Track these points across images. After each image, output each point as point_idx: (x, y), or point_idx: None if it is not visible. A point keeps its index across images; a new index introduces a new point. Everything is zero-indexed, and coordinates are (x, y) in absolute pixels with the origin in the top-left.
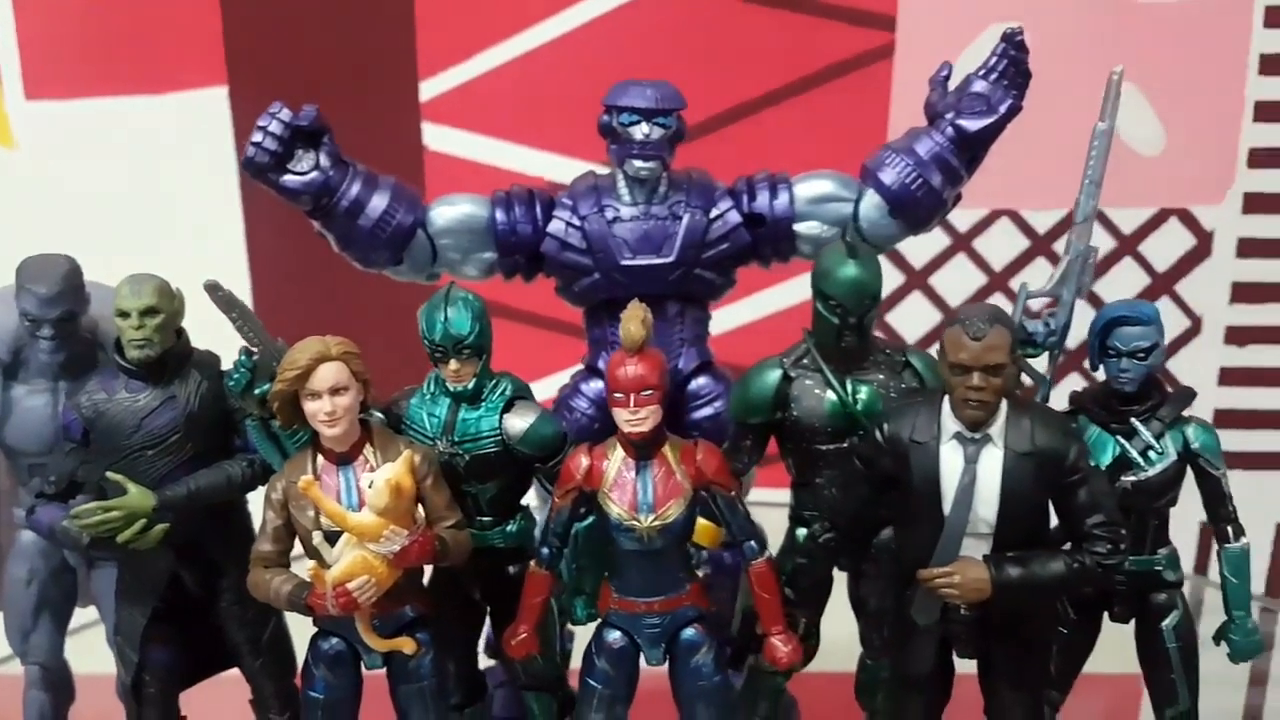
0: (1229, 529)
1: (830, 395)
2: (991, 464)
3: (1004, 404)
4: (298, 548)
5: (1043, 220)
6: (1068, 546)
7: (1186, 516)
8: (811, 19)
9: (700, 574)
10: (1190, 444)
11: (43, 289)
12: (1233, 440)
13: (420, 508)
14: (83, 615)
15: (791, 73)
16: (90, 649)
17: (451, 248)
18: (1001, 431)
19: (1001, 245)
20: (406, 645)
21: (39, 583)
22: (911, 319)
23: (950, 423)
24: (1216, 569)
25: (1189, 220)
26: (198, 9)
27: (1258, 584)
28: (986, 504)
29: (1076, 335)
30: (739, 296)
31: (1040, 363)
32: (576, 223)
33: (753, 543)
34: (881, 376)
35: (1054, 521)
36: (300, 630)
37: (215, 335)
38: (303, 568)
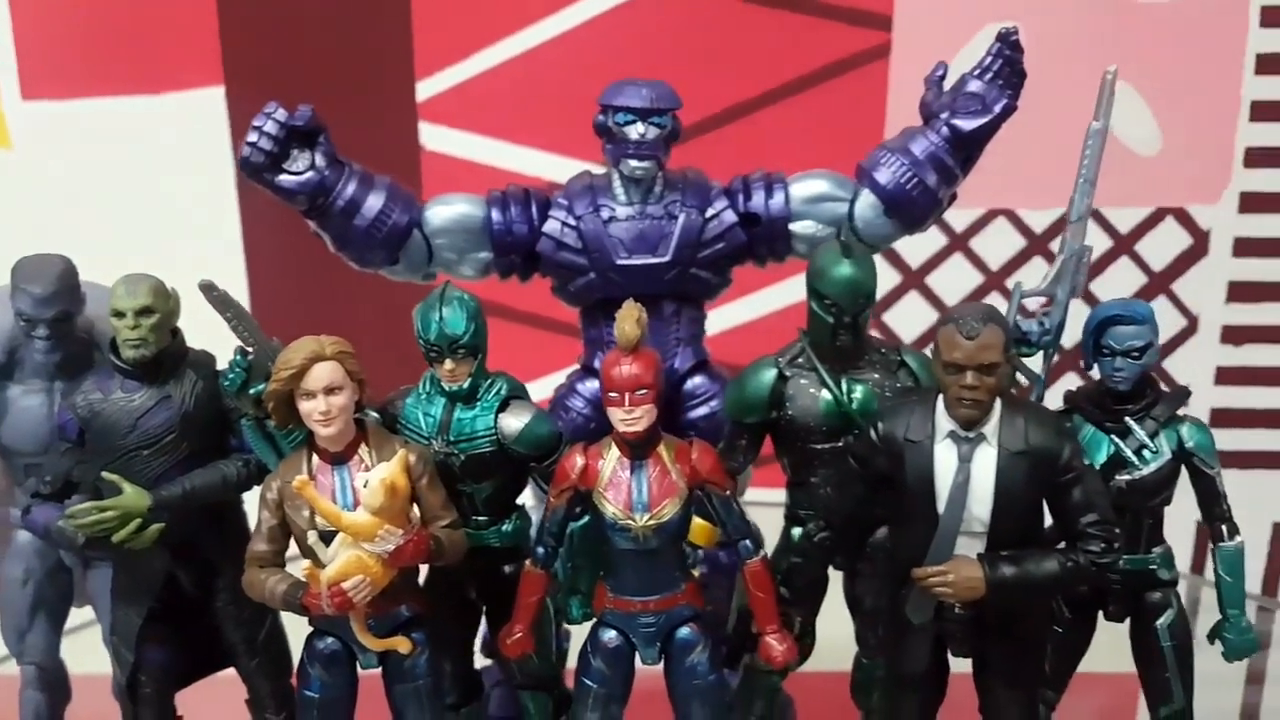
0: (1223, 528)
1: (825, 394)
2: (985, 463)
3: (998, 403)
4: (294, 547)
5: (1039, 220)
6: (1062, 545)
7: (1183, 516)
8: (808, 19)
9: (696, 573)
10: (1185, 443)
11: (38, 289)
12: (1229, 439)
13: (415, 507)
14: (79, 615)
15: (788, 72)
16: (86, 649)
17: (447, 247)
18: (995, 430)
19: (998, 245)
20: (402, 645)
21: (35, 583)
22: (908, 318)
23: (944, 422)
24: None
25: (1185, 220)
26: (194, 9)
27: (1254, 583)
28: (980, 503)
29: (1072, 334)
30: (735, 296)
31: (1035, 362)
32: (572, 222)
33: (747, 542)
34: (876, 376)
35: (1049, 521)
36: (296, 630)
37: (211, 335)
38: (298, 568)
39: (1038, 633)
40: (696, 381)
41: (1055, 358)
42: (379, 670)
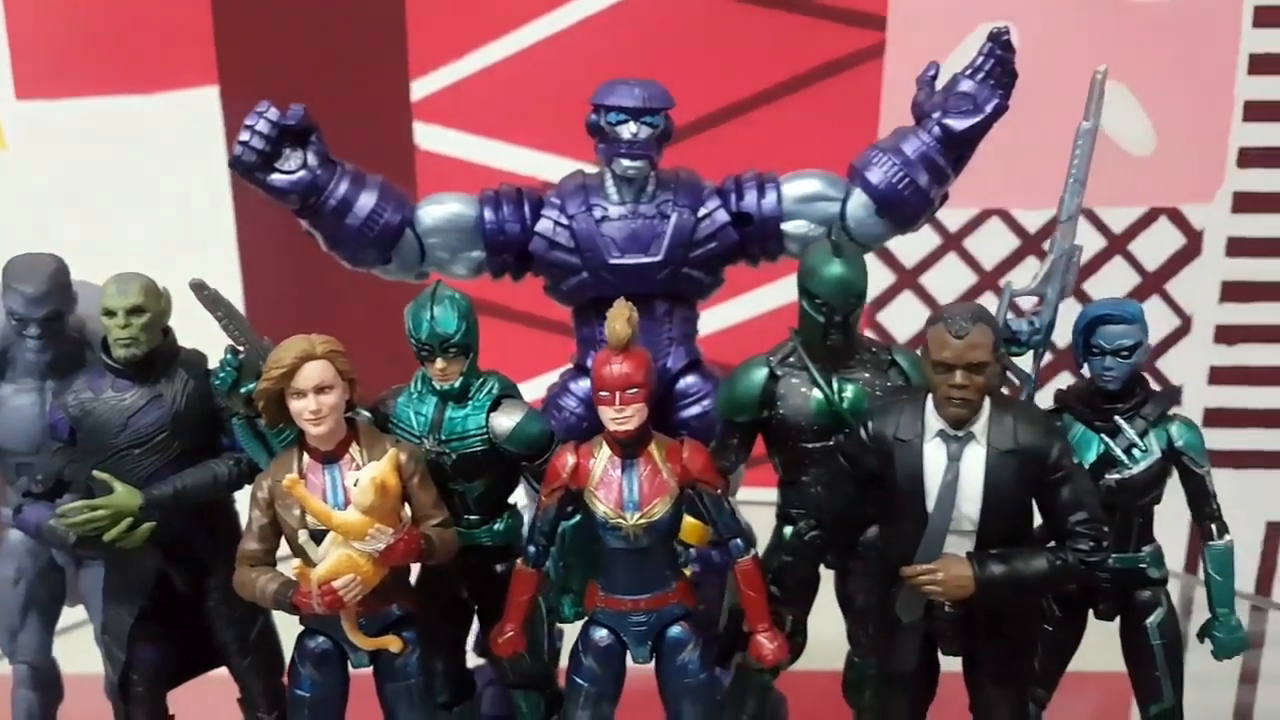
0: (1213, 527)
1: (816, 393)
2: (974, 462)
3: (987, 402)
4: (285, 547)
5: (1033, 219)
6: (1052, 544)
7: (1177, 515)
8: (802, 18)
9: (688, 572)
10: (1174, 442)
11: (29, 288)
12: (1223, 439)
13: (407, 506)
14: (71, 614)
15: (782, 72)
16: (79, 648)
17: (440, 247)
18: (984, 429)
19: (992, 244)
20: (393, 644)
21: (27, 582)
22: (902, 318)
23: (934, 421)
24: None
25: (1179, 219)
26: (189, 8)
27: (1247, 582)
28: (970, 501)
29: (1063, 334)
30: (728, 296)
31: (1026, 361)
32: (564, 222)
33: (738, 540)
34: (867, 375)
35: (1039, 520)
36: (288, 629)
37: (203, 334)
38: (290, 567)
39: (1027, 631)
40: (689, 381)
41: (1046, 357)
42: (371, 669)
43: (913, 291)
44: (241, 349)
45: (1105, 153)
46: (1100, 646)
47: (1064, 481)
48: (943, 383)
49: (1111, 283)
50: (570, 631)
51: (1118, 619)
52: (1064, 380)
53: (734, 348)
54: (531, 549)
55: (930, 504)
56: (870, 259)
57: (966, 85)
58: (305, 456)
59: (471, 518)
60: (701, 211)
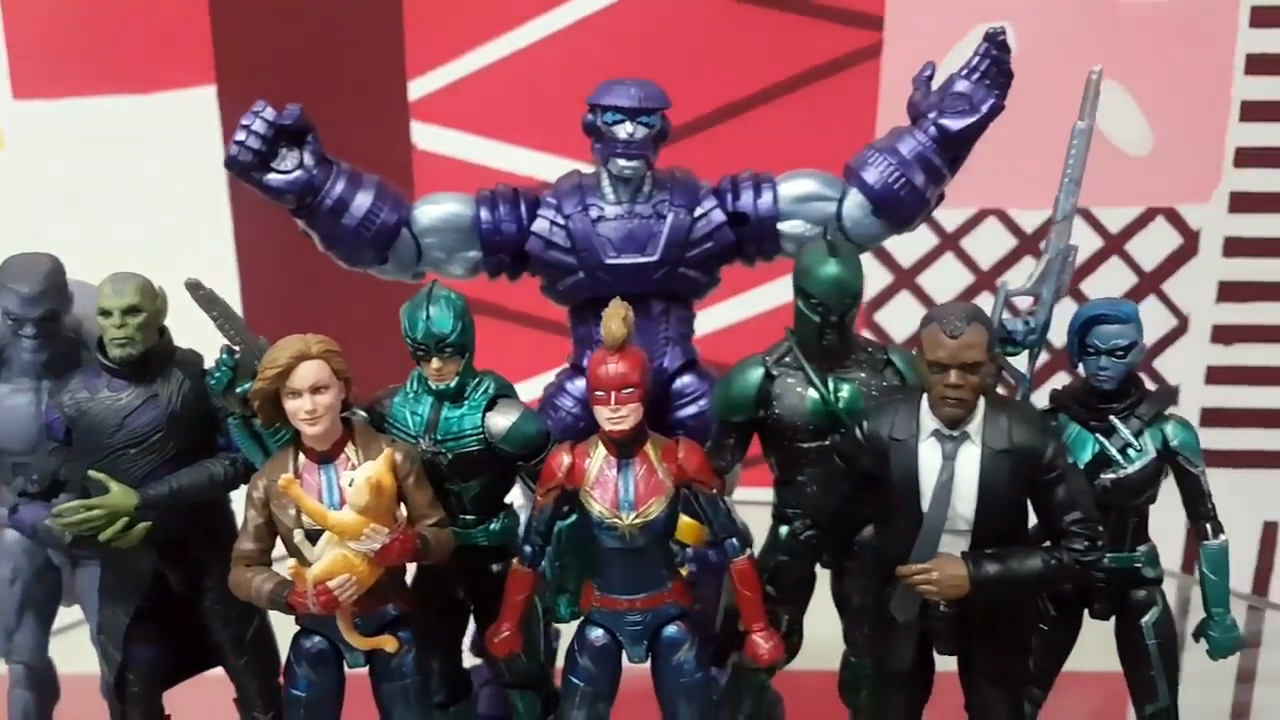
0: (1208, 526)
1: (812, 393)
2: (969, 461)
3: (982, 401)
4: (281, 547)
5: (1030, 219)
6: (1047, 544)
7: (1174, 515)
8: (799, 18)
9: (684, 571)
10: (1169, 441)
11: (25, 288)
12: (1220, 439)
13: (402, 506)
14: (67, 614)
15: (779, 72)
16: (75, 648)
17: (436, 246)
18: (979, 429)
19: (989, 244)
20: (388, 644)
21: (23, 582)
22: (899, 318)
23: (929, 420)
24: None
25: (1176, 219)
26: (186, 8)
27: (1244, 582)
28: (964, 501)
29: (1059, 334)
30: (724, 296)
31: (1021, 361)
32: (561, 221)
33: (734, 540)
34: (863, 374)
35: (1034, 520)
36: (284, 628)
37: (199, 334)
38: (285, 567)
39: (1022, 631)
40: (685, 381)
41: (1041, 357)
42: (366, 669)
43: (910, 291)
44: (237, 349)
45: (1102, 153)
46: (1096, 646)
47: (1059, 481)
48: (937, 382)
49: (1108, 282)
50: (566, 631)
51: (1113, 618)
52: (1059, 380)
53: (730, 347)
54: (527, 549)
55: (925, 503)
56: (867, 259)
57: (962, 85)
58: (301, 456)
59: (467, 518)
60: (698, 211)
